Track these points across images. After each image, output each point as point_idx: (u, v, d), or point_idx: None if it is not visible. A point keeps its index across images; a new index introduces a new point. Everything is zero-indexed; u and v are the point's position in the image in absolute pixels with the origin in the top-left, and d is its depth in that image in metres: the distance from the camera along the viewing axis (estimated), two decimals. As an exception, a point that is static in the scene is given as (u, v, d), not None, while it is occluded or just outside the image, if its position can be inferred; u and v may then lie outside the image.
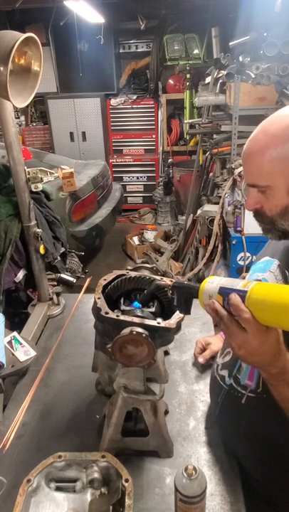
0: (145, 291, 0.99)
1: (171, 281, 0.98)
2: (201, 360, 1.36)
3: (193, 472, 0.84)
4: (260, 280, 0.92)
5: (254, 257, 3.08)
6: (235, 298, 0.75)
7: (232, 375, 1.02)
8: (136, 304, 1.01)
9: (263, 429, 0.95)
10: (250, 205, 0.91)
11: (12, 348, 1.44)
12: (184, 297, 0.88)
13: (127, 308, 1.01)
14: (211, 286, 0.81)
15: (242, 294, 0.75)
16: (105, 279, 1.09)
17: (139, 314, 0.97)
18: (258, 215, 0.92)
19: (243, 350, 0.76)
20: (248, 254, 3.07)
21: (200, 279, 3.68)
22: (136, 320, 0.94)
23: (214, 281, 0.81)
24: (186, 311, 0.91)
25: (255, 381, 0.95)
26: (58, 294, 1.85)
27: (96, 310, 1.00)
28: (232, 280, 0.80)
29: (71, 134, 5.89)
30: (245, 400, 0.98)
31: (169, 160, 5.66)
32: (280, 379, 0.78)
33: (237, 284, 0.78)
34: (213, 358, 1.32)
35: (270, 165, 0.84)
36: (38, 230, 1.73)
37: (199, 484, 0.84)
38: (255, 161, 0.86)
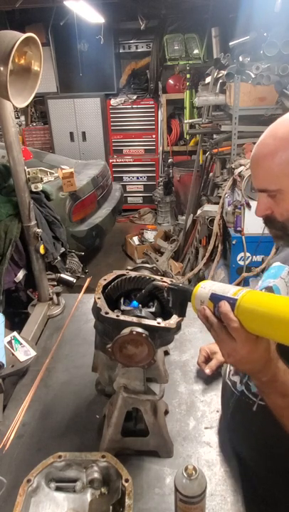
0: (143, 291, 0.98)
1: (171, 281, 0.98)
2: (207, 371, 1.31)
3: (193, 472, 0.84)
4: (270, 287, 0.92)
5: (254, 257, 3.10)
6: (224, 306, 0.75)
7: (243, 381, 1.01)
8: (134, 303, 1.01)
9: (272, 438, 0.93)
10: (260, 211, 0.90)
11: (12, 348, 1.44)
12: (179, 300, 0.88)
13: (127, 308, 1.01)
14: (202, 292, 0.81)
15: (232, 301, 0.74)
16: (105, 279, 1.09)
17: (139, 314, 0.97)
18: (269, 221, 0.90)
19: (232, 358, 0.76)
20: (248, 254, 3.08)
21: (200, 279, 3.68)
22: (136, 320, 0.94)
23: (206, 287, 0.81)
24: (181, 313, 0.90)
25: None
26: (58, 294, 1.85)
27: (96, 310, 1.00)
28: (224, 286, 0.79)
29: (71, 134, 5.89)
30: (257, 408, 0.97)
31: (169, 160, 5.66)
32: (271, 386, 0.77)
33: (229, 290, 0.77)
34: (219, 367, 1.30)
35: (280, 168, 0.83)
36: (38, 230, 1.73)
37: (199, 484, 0.84)
38: (265, 165, 0.85)
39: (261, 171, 0.86)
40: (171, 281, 1.00)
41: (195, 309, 0.83)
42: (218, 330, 0.76)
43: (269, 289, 0.93)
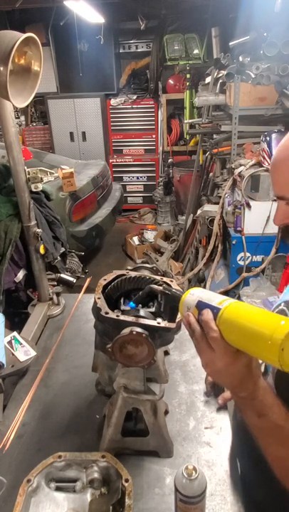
0: (140, 293, 0.98)
1: (169, 285, 0.98)
2: (220, 402, 1.24)
3: (193, 472, 0.84)
4: (284, 310, 0.88)
5: (254, 257, 3.10)
6: (207, 314, 0.73)
7: None
8: (131, 304, 1.01)
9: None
10: (278, 219, 0.86)
11: (12, 348, 1.44)
12: (170, 305, 0.87)
13: (127, 308, 1.01)
14: (190, 299, 0.79)
15: (215, 311, 0.73)
16: (105, 279, 1.09)
17: (139, 314, 0.97)
18: (287, 230, 0.90)
19: (210, 369, 0.74)
20: (248, 254, 3.08)
21: (200, 279, 3.68)
22: (136, 320, 0.94)
23: (195, 293, 0.80)
24: (171, 318, 0.89)
25: None
26: (58, 294, 1.85)
27: (96, 310, 1.00)
28: (213, 295, 0.78)
29: (71, 134, 5.89)
30: None
31: (169, 160, 5.66)
32: (248, 404, 0.73)
33: (215, 299, 0.75)
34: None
35: None
36: (38, 230, 1.73)
37: (199, 484, 0.84)
38: (284, 170, 0.81)
39: (280, 176, 0.82)
40: (169, 285, 1.00)
41: (182, 316, 0.81)
42: (199, 338, 0.74)
43: (281, 312, 0.89)
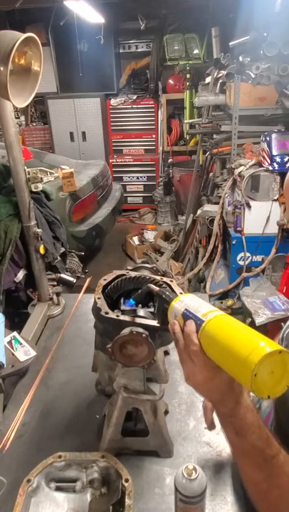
0: (139, 291, 0.98)
1: (165, 286, 0.97)
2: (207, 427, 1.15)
3: (193, 472, 0.83)
4: None
5: (254, 257, 3.10)
6: (189, 326, 0.72)
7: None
8: (131, 301, 1.01)
9: None
10: None
11: (12, 348, 1.44)
12: (162, 308, 0.85)
13: (127, 308, 1.01)
14: (178, 306, 0.78)
15: (199, 323, 0.71)
16: (105, 279, 1.08)
17: (139, 314, 0.97)
18: None
19: (190, 381, 0.72)
20: (248, 254, 3.08)
21: (200, 279, 3.68)
22: (136, 320, 0.94)
23: (184, 301, 0.79)
24: (162, 322, 0.87)
25: (269, 424, 0.87)
26: (58, 294, 1.85)
27: (96, 310, 1.00)
28: (200, 304, 0.76)
29: (71, 134, 5.89)
30: None
31: (169, 160, 5.66)
32: (227, 420, 0.70)
33: (201, 310, 0.74)
34: None
35: None
36: (38, 230, 1.73)
37: (199, 484, 0.84)
38: None
39: None
40: (169, 285, 1.00)
41: (170, 321, 0.80)
42: (182, 348, 0.73)
43: None
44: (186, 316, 0.75)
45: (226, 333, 0.66)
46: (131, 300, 1.01)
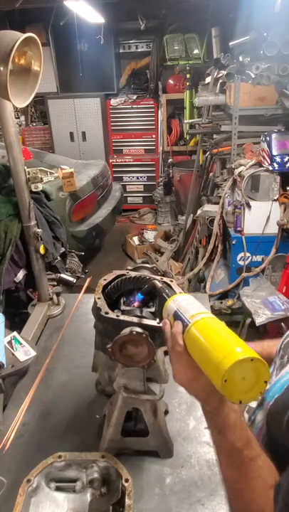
0: (146, 286, 0.99)
1: (168, 285, 0.97)
2: None
3: None
4: None
5: (254, 257, 3.10)
6: (176, 327, 0.74)
7: (249, 421, 0.97)
8: (139, 295, 1.01)
9: None
10: None
11: (12, 348, 1.44)
12: (162, 305, 0.87)
13: (127, 308, 1.01)
14: (170, 306, 0.80)
15: (185, 324, 0.73)
16: (105, 279, 1.08)
17: (139, 314, 0.97)
18: None
19: (177, 379, 0.74)
20: (247, 254, 3.08)
21: (200, 279, 3.68)
22: (136, 320, 0.94)
23: (177, 301, 0.80)
24: (161, 319, 0.88)
25: (260, 438, 0.84)
26: (58, 294, 1.85)
27: (96, 310, 1.00)
28: (191, 305, 0.77)
29: (71, 134, 5.89)
30: None
31: (169, 160, 5.66)
32: (211, 418, 0.71)
33: (190, 311, 0.75)
34: None
35: None
36: (38, 230, 1.73)
37: None
38: None
39: None
40: (169, 285, 1.00)
41: (164, 320, 0.82)
42: (169, 347, 0.75)
43: None
44: (176, 316, 0.77)
45: (207, 337, 0.68)
46: (139, 294, 1.02)
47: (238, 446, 0.67)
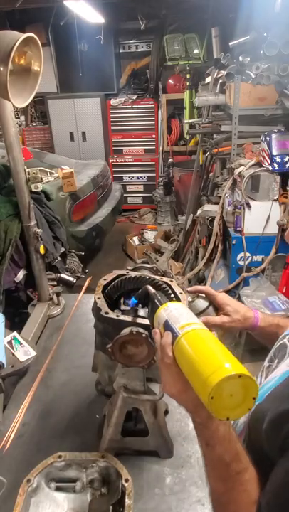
0: (139, 290, 0.98)
1: (169, 283, 0.97)
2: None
3: None
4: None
5: (254, 257, 3.10)
6: (166, 338, 0.72)
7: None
8: (133, 299, 1.00)
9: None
10: None
11: (12, 348, 1.44)
12: (154, 311, 0.85)
13: (127, 308, 1.01)
14: (161, 315, 0.78)
15: (175, 335, 0.71)
16: (105, 279, 1.08)
17: (140, 314, 0.97)
18: None
19: (165, 390, 0.73)
20: (248, 254, 3.08)
21: (200, 279, 3.68)
22: (136, 320, 0.94)
23: (168, 309, 0.78)
24: (153, 325, 0.86)
25: (242, 439, 0.84)
26: (58, 294, 1.85)
27: (96, 310, 1.00)
28: (182, 315, 0.75)
29: (71, 134, 5.89)
30: None
31: (169, 160, 5.66)
32: (200, 429, 0.70)
33: (181, 321, 0.73)
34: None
35: None
36: (38, 230, 1.73)
37: None
38: None
39: None
40: (169, 285, 0.99)
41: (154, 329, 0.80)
42: (159, 358, 0.74)
43: (283, 346, 0.86)
44: (167, 325, 0.75)
45: (195, 350, 0.66)
46: (133, 298, 1.01)
47: (225, 459, 0.67)
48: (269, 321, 1.01)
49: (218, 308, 1.02)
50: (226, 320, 1.00)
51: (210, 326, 0.99)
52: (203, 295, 1.03)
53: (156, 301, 0.85)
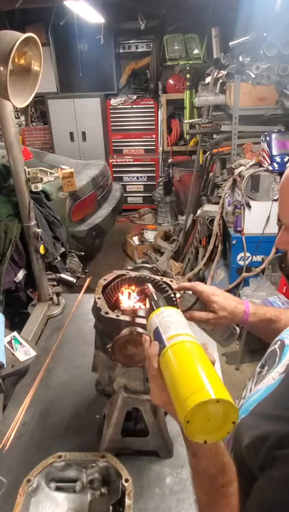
0: (140, 288, 0.98)
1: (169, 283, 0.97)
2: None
3: None
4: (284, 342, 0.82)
5: (254, 257, 3.10)
6: (153, 348, 0.71)
7: None
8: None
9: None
10: (281, 244, 0.77)
11: (12, 348, 1.44)
12: (149, 311, 0.84)
13: (127, 308, 1.01)
14: (153, 321, 0.76)
15: (162, 346, 0.69)
16: (105, 279, 1.09)
17: (140, 314, 0.97)
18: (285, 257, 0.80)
19: (152, 400, 0.72)
20: (248, 254, 3.08)
21: (200, 279, 3.68)
22: (136, 320, 0.94)
23: (160, 316, 0.76)
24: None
25: (229, 449, 0.83)
26: (58, 294, 1.85)
27: (96, 310, 1.00)
28: (172, 324, 0.73)
29: (71, 134, 5.89)
30: None
31: (169, 160, 5.66)
32: (187, 441, 0.68)
33: (170, 331, 0.71)
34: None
35: None
36: (38, 230, 1.73)
37: None
38: (282, 196, 0.73)
39: (282, 202, 0.74)
40: (169, 285, 0.99)
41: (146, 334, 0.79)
42: (146, 367, 0.72)
43: (273, 352, 0.84)
44: (156, 333, 0.73)
45: (179, 365, 0.64)
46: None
47: (210, 472, 0.66)
48: (260, 315, 1.00)
49: (205, 304, 1.00)
50: (210, 317, 0.98)
51: (196, 321, 1.00)
52: (190, 292, 1.01)
53: (152, 303, 0.83)
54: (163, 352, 0.68)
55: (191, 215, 4.27)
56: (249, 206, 2.98)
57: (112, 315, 0.96)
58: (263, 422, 0.67)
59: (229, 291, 3.19)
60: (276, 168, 2.87)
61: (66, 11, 4.41)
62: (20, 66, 1.21)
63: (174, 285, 1.05)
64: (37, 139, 6.15)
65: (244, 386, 0.88)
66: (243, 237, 3.04)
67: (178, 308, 0.93)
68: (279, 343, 0.84)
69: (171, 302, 1.02)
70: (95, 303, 1.01)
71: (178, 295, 1.03)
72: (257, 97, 3.11)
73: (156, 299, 0.84)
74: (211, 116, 3.78)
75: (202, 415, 0.57)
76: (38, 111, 6.20)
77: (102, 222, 4.06)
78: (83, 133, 5.88)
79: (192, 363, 0.63)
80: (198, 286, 1.00)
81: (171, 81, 5.64)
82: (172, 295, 1.03)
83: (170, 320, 0.74)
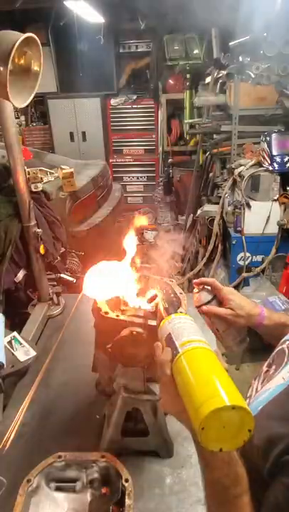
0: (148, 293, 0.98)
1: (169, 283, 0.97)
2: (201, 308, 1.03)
3: None
4: None
5: (254, 257, 3.10)
6: (165, 355, 0.69)
7: None
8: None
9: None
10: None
11: (12, 348, 1.44)
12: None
13: (127, 308, 1.01)
14: (165, 327, 0.75)
15: (175, 352, 0.68)
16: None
17: (140, 314, 0.97)
18: None
19: (164, 409, 0.72)
20: (248, 254, 3.08)
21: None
22: (136, 320, 0.94)
23: (172, 322, 0.75)
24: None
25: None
26: (58, 294, 1.85)
27: (96, 310, 1.00)
28: (185, 330, 0.72)
29: (71, 134, 5.89)
30: None
31: (169, 160, 5.66)
32: (199, 450, 0.67)
33: (183, 337, 0.70)
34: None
35: None
36: (38, 230, 1.73)
37: None
38: None
39: None
40: (174, 293, 0.99)
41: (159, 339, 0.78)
42: (158, 375, 0.71)
43: (281, 351, 0.84)
44: (168, 340, 0.72)
45: (193, 372, 0.63)
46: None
47: (224, 483, 0.65)
48: (275, 319, 1.00)
49: (221, 302, 0.99)
50: (229, 313, 0.97)
51: (213, 316, 0.98)
52: (209, 287, 1.01)
53: (163, 309, 0.83)
54: (176, 358, 0.67)
55: (191, 215, 4.27)
56: (249, 206, 2.98)
57: (112, 315, 0.96)
58: (273, 423, 0.67)
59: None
60: (276, 168, 2.87)
61: (66, 11, 4.41)
62: (20, 66, 1.20)
63: (175, 284, 1.06)
64: (37, 139, 6.15)
65: (249, 385, 0.88)
66: (243, 237, 3.04)
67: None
68: (288, 342, 0.84)
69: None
70: (95, 303, 1.01)
71: (195, 290, 1.02)
72: (257, 97, 3.11)
73: (166, 306, 0.84)
74: (211, 116, 3.78)
75: (217, 422, 0.56)
76: (38, 111, 6.20)
77: (102, 222, 4.06)
78: (83, 133, 5.88)
79: (207, 370, 0.62)
80: (218, 283, 1.00)
81: (171, 81, 5.63)
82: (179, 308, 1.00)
83: (183, 326, 0.73)
